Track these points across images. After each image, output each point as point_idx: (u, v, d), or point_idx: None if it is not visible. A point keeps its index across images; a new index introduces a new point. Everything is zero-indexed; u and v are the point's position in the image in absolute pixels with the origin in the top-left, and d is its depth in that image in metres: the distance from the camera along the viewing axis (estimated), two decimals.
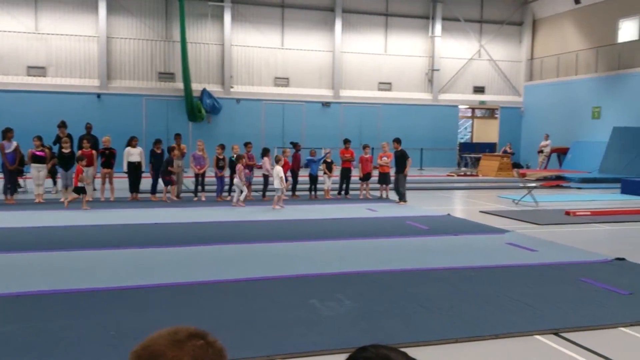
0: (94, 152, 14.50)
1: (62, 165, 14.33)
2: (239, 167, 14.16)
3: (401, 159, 15.28)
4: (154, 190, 14.86)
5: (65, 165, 14.22)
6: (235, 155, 14.86)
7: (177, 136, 15.90)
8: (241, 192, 14.09)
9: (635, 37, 24.97)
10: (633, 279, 7.19)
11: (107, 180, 14.50)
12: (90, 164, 14.26)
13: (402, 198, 15.16)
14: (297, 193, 16.01)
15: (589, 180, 21.68)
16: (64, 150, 14.34)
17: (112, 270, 7.33)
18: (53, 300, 6.05)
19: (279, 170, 13.72)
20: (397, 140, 15.49)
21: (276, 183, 13.72)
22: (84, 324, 5.29)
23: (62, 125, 15.56)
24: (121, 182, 15.33)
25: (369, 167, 16.33)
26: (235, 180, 14.24)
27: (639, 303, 6.13)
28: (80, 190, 13.10)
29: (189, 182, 16.67)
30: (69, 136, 15.05)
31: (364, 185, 16.43)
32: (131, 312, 5.67)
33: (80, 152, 14.36)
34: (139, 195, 14.86)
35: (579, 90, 27.10)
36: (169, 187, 14.63)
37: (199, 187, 15.13)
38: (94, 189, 15.09)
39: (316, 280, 6.96)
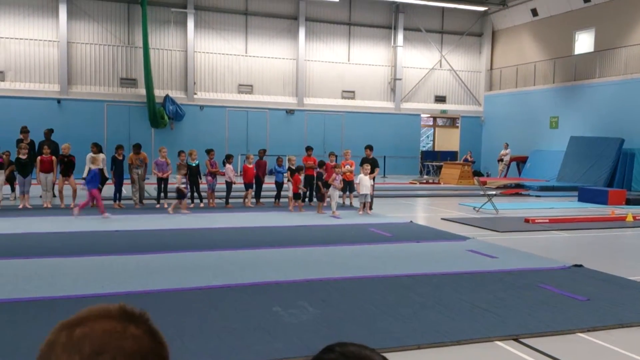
0: (53, 158, 14.25)
1: (19, 172, 14.01)
2: (334, 176, 14.32)
3: (372, 167, 15.18)
4: (116, 197, 14.63)
5: (23, 172, 13.91)
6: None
7: (137, 146, 14.97)
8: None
9: (590, 49, 25.70)
10: (590, 285, 7.36)
11: (64, 187, 14.27)
12: (49, 170, 13.99)
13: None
14: (261, 200, 16.00)
15: (547, 188, 22.18)
16: (21, 156, 14.04)
17: (72, 278, 7.18)
18: (10, 308, 5.90)
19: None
20: (370, 147, 15.41)
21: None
22: (43, 333, 5.15)
23: (25, 130, 15.23)
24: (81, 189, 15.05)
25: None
26: (331, 189, 14.41)
27: (596, 309, 6.28)
28: (298, 197, 14.17)
29: (151, 188, 16.48)
30: (31, 142, 14.71)
31: (328, 193, 16.42)
32: None
33: (39, 158, 14.10)
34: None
35: (537, 100, 27.72)
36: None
37: (162, 194, 14.96)
38: (54, 196, 14.80)
39: (279, 287, 6.94)
